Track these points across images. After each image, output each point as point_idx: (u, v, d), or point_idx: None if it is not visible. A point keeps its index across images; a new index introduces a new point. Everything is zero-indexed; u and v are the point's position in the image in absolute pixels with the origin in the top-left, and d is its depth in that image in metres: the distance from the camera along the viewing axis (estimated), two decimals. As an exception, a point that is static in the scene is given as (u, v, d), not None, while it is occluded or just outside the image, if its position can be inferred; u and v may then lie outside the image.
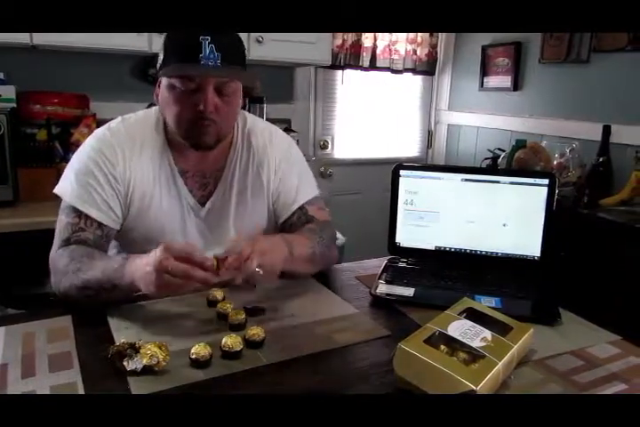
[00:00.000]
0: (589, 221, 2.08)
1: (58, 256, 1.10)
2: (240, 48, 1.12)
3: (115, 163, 1.14)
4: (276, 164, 1.28)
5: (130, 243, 1.23)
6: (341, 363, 0.91)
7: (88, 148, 1.17)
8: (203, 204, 1.23)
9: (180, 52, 1.05)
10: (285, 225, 1.30)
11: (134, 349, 0.85)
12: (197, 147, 1.14)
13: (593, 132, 2.40)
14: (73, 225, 1.12)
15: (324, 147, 3.22)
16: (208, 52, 1.02)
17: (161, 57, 1.09)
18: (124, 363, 0.84)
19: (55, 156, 2.08)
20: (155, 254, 0.92)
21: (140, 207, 1.18)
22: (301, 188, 1.31)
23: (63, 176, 1.18)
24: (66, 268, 1.06)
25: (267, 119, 2.50)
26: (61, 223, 1.15)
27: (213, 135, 1.12)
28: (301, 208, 1.29)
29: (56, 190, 1.16)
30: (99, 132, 1.19)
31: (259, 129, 1.29)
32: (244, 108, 2.39)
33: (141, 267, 0.95)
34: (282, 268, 1.06)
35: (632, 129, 2.29)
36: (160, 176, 1.18)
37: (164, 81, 1.10)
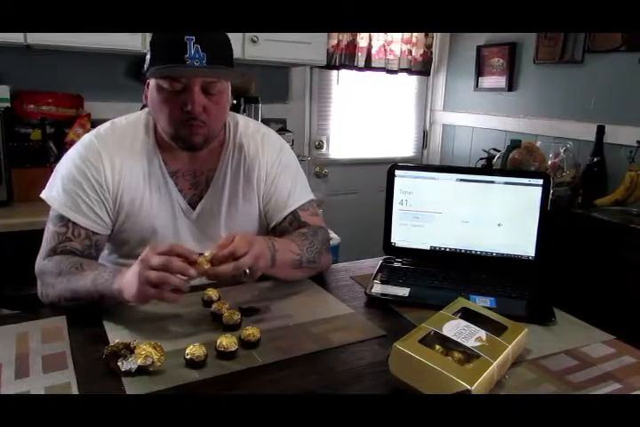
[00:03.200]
0: (584, 221, 2.09)
1: (44, 266, 1.10)
2: (226, 47, 1.11)
3: (101, 170, 1.14)
4: (267, 167, 1.27)
5: (122, 244, 1.22)
6: (336, 363, 0.91)
7: (75, 154, 1.16)
8: (194, 204, 1.22)
9: (165, 52, 1.05)
10: (277, 230, 1.28)
11: (129, 349, 0.85)
12: (186, 148, 1.14)
13: (587, 132, 2.41)
14: (60, 235, 1.12)
15: (320, 147, 3.22)
16: (193, 51, 1.02)
17: (148, 57, 1.09)
18: (119, 363, 0.83)
19: (49, 156, 2.07)
20: (136, 266, 0.94)
21: (130, 210, 1.17)
22: (294, 192, 1.29)
23: (50, 181, 1.17)
24: (54, 278, 1.06)
25: (262, 119, 2.51)
26: (49, 232, 1.14)
27: (202, 136, 1.12)
28: (293, 213, 1.27)
29: (43, 195, 1.15)
30: (86, 138, 1.18)
31: (251, 131, 1.28)
32: (238, 108, 2.41)
33: (130, 272, 0.95)
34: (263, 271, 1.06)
35: (626, 129, 2.30)
36: (150, 178, 1.18)
37: (151, 82, 1.10)
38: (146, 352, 0.83)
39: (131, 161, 1.16)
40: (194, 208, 1.22)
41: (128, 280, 0.95)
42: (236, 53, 2.38)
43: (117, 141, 1.17)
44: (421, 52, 3.22)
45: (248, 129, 1.28)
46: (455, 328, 0.88)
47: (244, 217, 1.26)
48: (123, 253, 1.23)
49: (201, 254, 0.96)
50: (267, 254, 1.05)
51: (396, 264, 1.33)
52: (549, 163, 2.43)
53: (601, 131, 2.34)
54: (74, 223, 1.12)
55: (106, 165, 1.14)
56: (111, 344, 0.86)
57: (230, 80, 1.14)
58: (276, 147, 1.30)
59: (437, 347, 0.85)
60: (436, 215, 1.31)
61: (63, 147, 2.08)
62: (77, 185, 1.13)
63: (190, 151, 1.16)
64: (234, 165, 1.24)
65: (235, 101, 2.39)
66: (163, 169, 1.18)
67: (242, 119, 1.30)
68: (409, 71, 3.23)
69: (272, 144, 1.30)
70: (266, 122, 2.58)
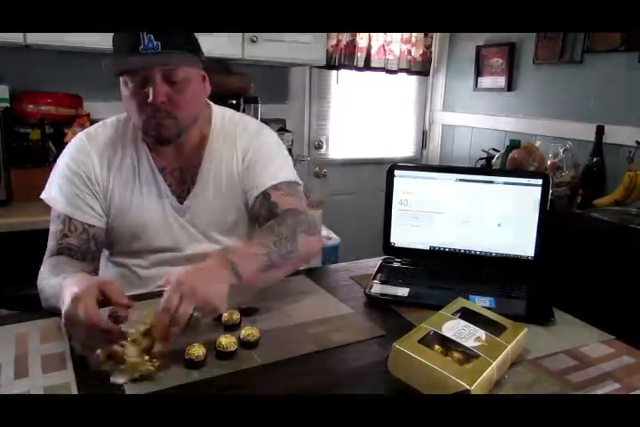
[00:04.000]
0: (583, 221, 2.09)
1: (40, 273, 1.10)
2: (183, 33, 1.09)
3: (90, 167, 1.17)
4: (244, 152, 1.25)
5: (115, 241, 1.24)
6: (336, 363, 0.91)
7: (67, 154, 1.20)
8: (183, 199, 1.23)
9: (121, 47, 1.06)
10: (252, 216, 1.25)
11: (117, 359, 0.82)
12: (158, 142, 1.15)
13: (586, 132, 2.41)
14: (58, 232, 1.14)
15: (319, 147, 3.22)
16: (147, 41, 1.02)
17: None
18: (111, 378, 0.81)
19: (49, 156, 2.06)
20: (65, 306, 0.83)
21: (121, 206, 1.19)
22: (266, 172, 1.22)
23: (48, 182, 1.20)
24: (40, 283, 1.07)
25: (261, 119, 2.50)
26: (50, 232, 1.16)
27: (171, 128, 1.11)
28: (264, 193, 1.21)
29: (42, 196, 1.18)
30: (77, 137, 1.22)
31: (233, 123, 1.28)
32: (238, 108, 2.41)
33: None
34: (229, 295, 0.91)
35: (625, 129, 2.30)
36: (140, 175, 1.20)
37: (120, 80, 1.10)
38: (136, 362, 0.81)
39: (119, 158, 1.19)
40: (182, 203, 1.23)
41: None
42: (236, 53, 2.40)
43: (106, 139, 1.20)
44: (421, 52, 3.22)
45: (231, 121, 1.28)
46: (454, 328, 0.88)
47: (231, 209, 1.26)
48: (118, 251, 1.25)
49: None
50: (219, 276, 0.93)
51: (395, 264, 1.33)
52: (549, 163, 2.43)
53: (600, 131, 2.34)
54: (70, 218, 1.15)
55: (95, 163, 1.18)
56: (100, 359, 0.83)
57: (189, 65, 1.10)
58: (253, 133, 1.28)
59: (437, 347, 0.85)
60: (436, 215, 1.31)
61: (62, 147, 2.06)
62: (70, 181, 1.16)
63: (164, 145, 1.16)
64: (217, 159, 1.24)
65: (234, 101, 2.40)
66: (152, 165, 1.20)
67: (228, 113, 1.30)
68: (408, 71, 3.22)
69: (249, 131, 1.27)
70: (265, 122, 2.55)
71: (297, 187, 1.28)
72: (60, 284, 0.92)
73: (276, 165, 1.25)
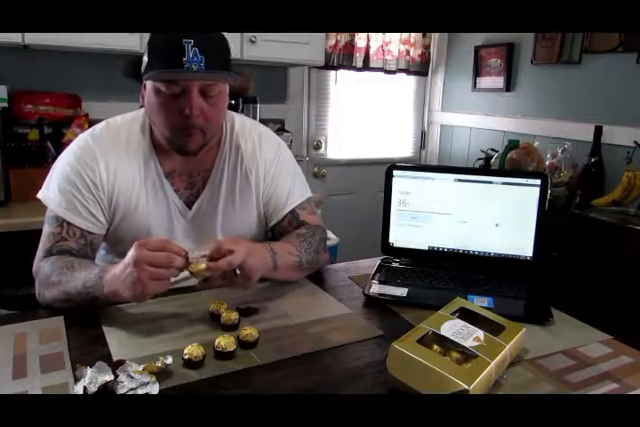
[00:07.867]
0: (581, 222, 2.09)
1: (40, 267, 1.10)
2: (224, 48, 1.10)
3: (96, 170, 1.14)
4: (265, 167, 1.26)
5: (118, 243, 1.22)
6: (334, 363, 0.91)
7: (70, 155, 1.16)
8: (190, 204, 1.22)
9: (163, 55, 1.03)
10: (276, 229, 1.29)
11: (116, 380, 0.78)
12: (181, 152, 1.14)
13: (585, 132, 2.42)
14: (55, 235, 1.12)
15: (318, 147, 3.22)
16: (192, 55, 1.01)
17: (145, 59, 1.07)
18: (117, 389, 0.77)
19: (47, 156, 2.07)
20: (130, 253, 0.94)
21: (126, 211, 1.17)
22: (292, 191, 1.29)
23: (46, 181, 1.17)
24: (47, 280, 1.06)
25: (260, 119, 2.51)
26: (45, 233, 1.14)
27: (199, 141, 1.12)
28: (292, 212, 1.28)
29: (39, 196, 1.16)
30: (81, 138, 1.18)
31: (247, 130, 1.27)
32: (237, 108, 2.40)
33: (120, 272, 0.95)
34: (262, 275, 1.07)
35: (623, 130, 2.30)
36: (146, 179, 1.18)
37: (149, 84, 1.09)
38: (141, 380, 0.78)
39: (126, 161, 1.16)
40: (190, 208, 1.22)
41: (120, 279, 0.94)
42: (235, 54, 2.40)
43: (112, 142, 1.17)
44: (419, 52, 3.23)
45: (245, 128, 1.28)
46: (453, 328, 0.88)
47: (242, 217, 1.26)
48: (118, 251, 1.23)
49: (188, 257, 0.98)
50: (264, 257, 1.08)
51: (394, 264, 1.33)
52: (547, 163, 2.43)
53: (598, 131, 2.34)
54: (69, 223, 1.12)
55: (101, 166, 1.14)
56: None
57: (229, 82, 1.13)
58: (274, 145, 1.30)
59: (435, 347, 0.85)
60: (434, 215, 1.32)
61: (61, 147, 2.07)
62: (72, 185, 1.13)
63: (185, 155, 1.16)
64: (231, 165, 1.24)
65: (233, 102, 2.39)
66: (158, 169, 1.18)
67: (238, 118, 1.30)
68: (407, 71, 3.23)
69: (270, 143, 1.29)
70: (264, 122, 2.57)
71: (312, 201, 1.37)
72: (99, 276, 0.99)
73: (300, 184, 1.33)
